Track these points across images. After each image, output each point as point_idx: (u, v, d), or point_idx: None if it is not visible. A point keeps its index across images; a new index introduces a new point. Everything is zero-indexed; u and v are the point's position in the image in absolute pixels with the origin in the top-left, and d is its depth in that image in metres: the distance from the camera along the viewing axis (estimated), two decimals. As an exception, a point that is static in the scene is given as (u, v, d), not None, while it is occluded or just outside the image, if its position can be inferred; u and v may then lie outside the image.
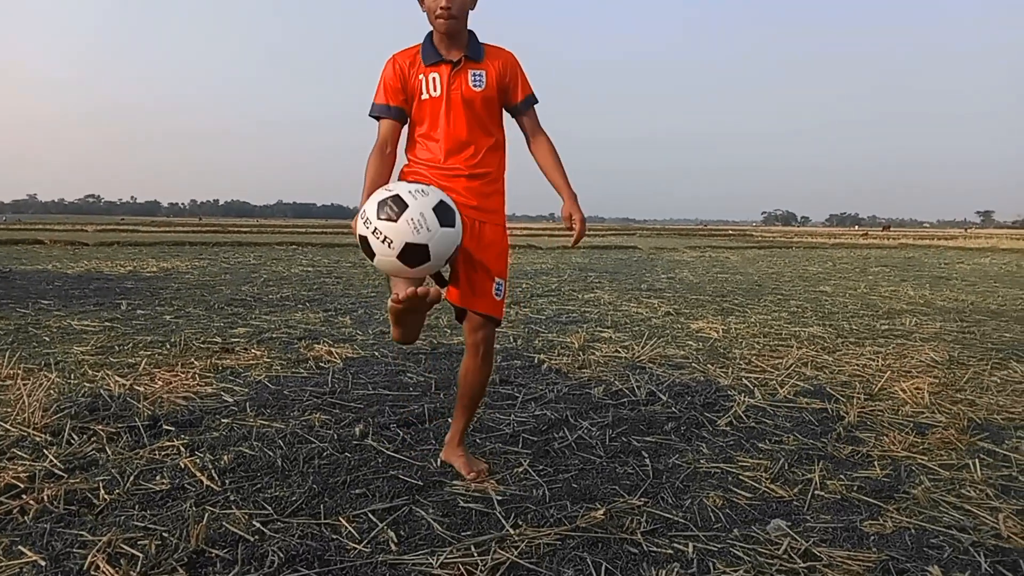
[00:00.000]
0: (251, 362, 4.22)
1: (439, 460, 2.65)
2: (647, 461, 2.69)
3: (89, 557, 1.87)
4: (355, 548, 1.98)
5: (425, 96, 2.44)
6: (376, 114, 2.47)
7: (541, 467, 2.63)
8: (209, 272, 10.36)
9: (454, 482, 2.46)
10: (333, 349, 4.59)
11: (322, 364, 4.23)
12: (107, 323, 5.52)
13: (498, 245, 2.49)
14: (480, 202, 2.45)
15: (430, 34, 2.47)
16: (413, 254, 1.99)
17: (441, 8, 2.32)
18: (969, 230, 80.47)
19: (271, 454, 2.67)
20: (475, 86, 2.48)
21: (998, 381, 4.05)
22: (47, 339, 4.82)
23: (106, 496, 2.26)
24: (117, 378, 3.69)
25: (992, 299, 8.46)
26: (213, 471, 2.48)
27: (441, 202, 2.07)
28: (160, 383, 3.64)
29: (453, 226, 2.07)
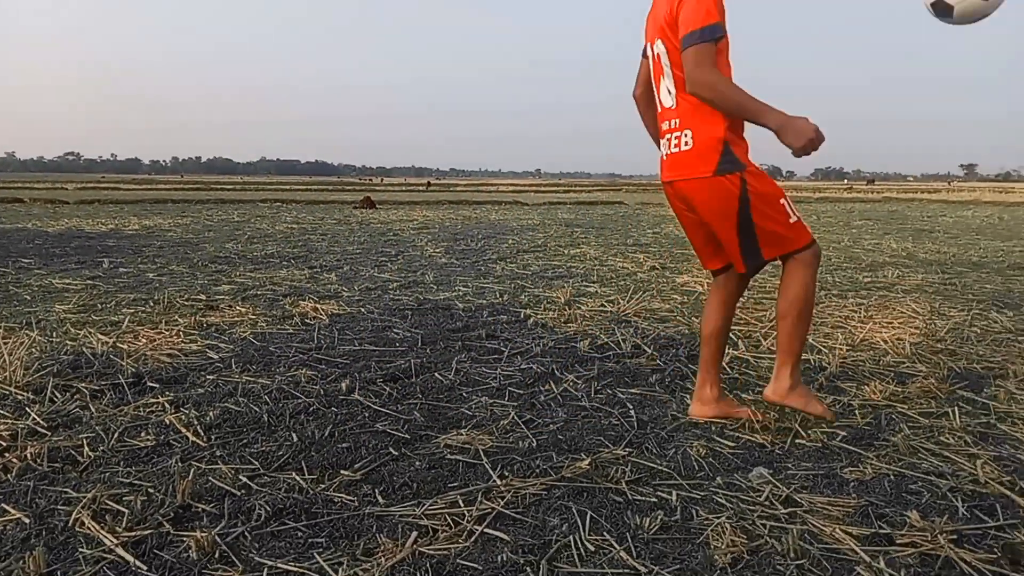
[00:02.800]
0: (236, 319, 4.20)
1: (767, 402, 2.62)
2: (632, 412, 2.72)
3: (74, 514, 1.87)
4: (342, 500, 1.99)
5: (728, 26, 2.29)
6: (720, 35, 2.23)
7: (527, 419, 2.65)
8: (192, 230, 10.25)
9: (440, 436, 2.48)
10: (318, 305, 4.57)
11: (308, 321, 4.22)
12: (89, 281, 5.46)
13: None
14: None
15: None
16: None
17: None
18: (952, 183, 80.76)
19: (257, 410, 2.67)
20: None
21: (978, 331, 4.09)
22: (28, 298, 4.77)
23: (90, 453, 2.26)
24: (100, 336, 3.66)
25: (973, 251, 8.52)
26: (199, 427, 2.48)
27: None
28: (144, 340, 3.62)
29: None
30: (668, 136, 2.48)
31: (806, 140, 2.17)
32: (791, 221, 2.36)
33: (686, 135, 2.39)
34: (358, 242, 8.89)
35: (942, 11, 2.42)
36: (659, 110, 2.54)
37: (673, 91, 2.41)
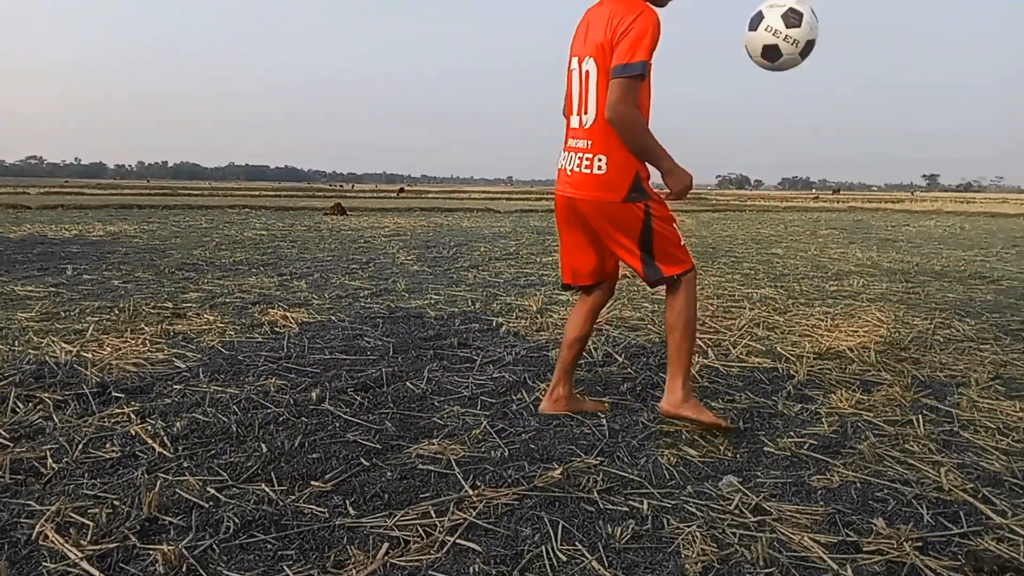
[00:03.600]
0: (204, 327, 4.14)
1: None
2: (603, 421, 2.73)
3: (37, 527, 1.83)
4: (312, 512, 1.97)
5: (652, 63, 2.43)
6: (644, 74, 2.35)
7: (499, 428, 2.64)
8: (159, 236, 10.09)
9: (412, 446, 2.46)
10: (288, 314, 4.53)
11: (277, 329, 4.18)
12: (52, 288, 5.35)
13: None
14: None
15: None
16: (808, 49, 2.51)
17: None
18: (915, 193, 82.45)
19: (225, 420, 2.63)
20: None
21: (941, 340, 4.18)
22: (-12, 305, 4.65)
23: (54, 465, 2.21)
24: (63, 344, 3.59)
25: (936, 261, 8.71)
26: (165, 438, 2.44)
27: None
28: (109, 349, 3.55)
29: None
30: (578, 154, 2.54)
31: (682, 187, 2.47)
32: (681, 243, 2.60)
33: (600, 160, 2.47)
34: (328, 249, 8.82)
35: (770, 55, 2.53)
36: (571, 125, 2.59)
37: (594, 113, 2.46)
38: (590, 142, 2.48)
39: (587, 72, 2.46)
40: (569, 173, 2.58)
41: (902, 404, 2.99)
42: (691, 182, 2.49)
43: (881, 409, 2.92)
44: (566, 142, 2.62)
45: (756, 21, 2.53)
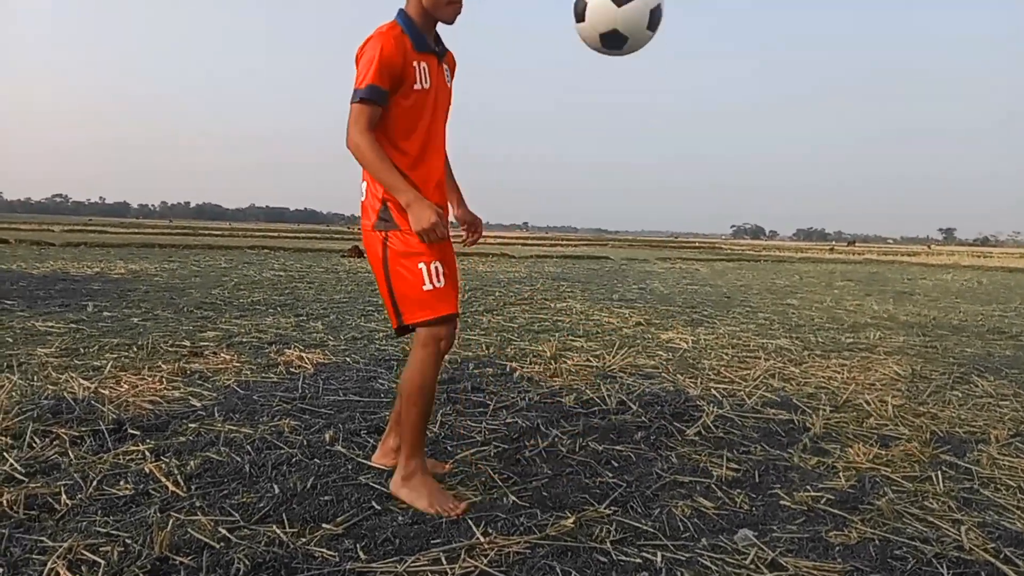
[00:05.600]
0: (220, 366, 4.17)
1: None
2: (617, 470, 2.70)
3: (49, 564, 1.83)
4: (323, 555, 1.96)
5: (417, 86, 2.24)
6: (371, 97, 2.16)
7: (512, 475, 2.63)
8: (179, 275, 10.21)
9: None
10: (304, 354, 4.55)
11: (292, 369, 4.20)
12: (72, 325, 5.41)
13: None
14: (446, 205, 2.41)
15: (405, 16, 2.27)
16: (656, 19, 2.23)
17: None
18: (932, 247, 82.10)
19: (239, 460, 2.64)
20: (449, 83, 2.40)
21: (960, 395, 4.13)
22: (10, 340, 4.71)
23: (68, 501, 2.22)
24: (82, 381, 3.62)
25: (954, 315, 8.64)
26: (179, 476, 2.44)
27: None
28: (126, 386, 3.58)
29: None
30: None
31: (421, 227, 2.14)
32: (424, 288, 2.24)
33: (363, 186, 2.35)
34: (345, 291, 8.88)
35: (613, 44, 2.26)
36: None
37: None
38: (360, 169, 2.31)
39: None
40: None
41: (921, 460, 2.95)
42: (436, 221, 2.14)
43: (899, 464, 2.88)
44: None
45: (580, 7, 2.24)
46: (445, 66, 2.39)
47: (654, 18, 2.19)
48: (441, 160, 2.41)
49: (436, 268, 2.25)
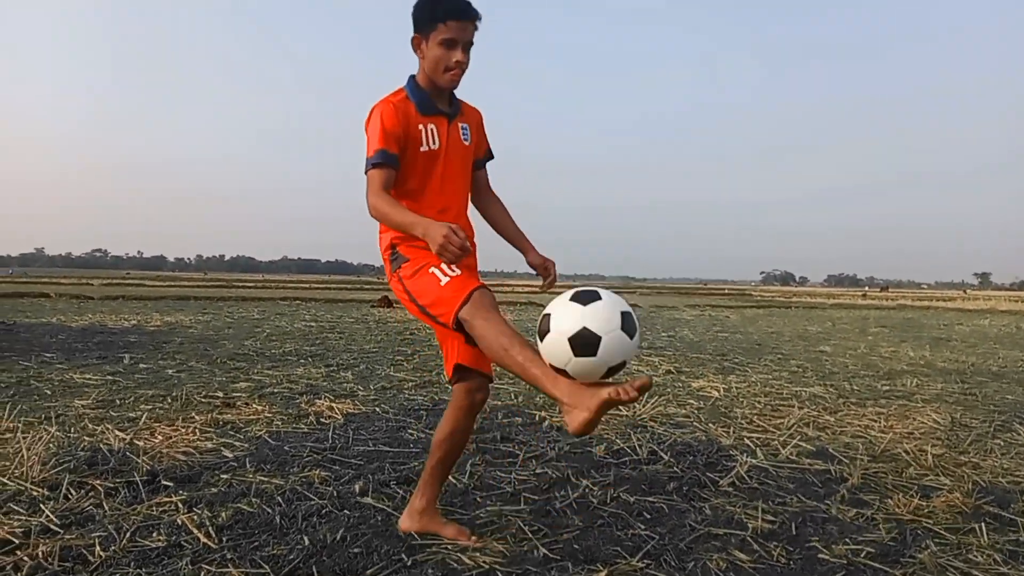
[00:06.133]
0: (252, 417, 4.20)
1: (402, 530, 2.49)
2: (649, 522, 2.66)
3: (83, 615, 1.84)
4: (353, 609, 1.95)
5: (424, 148, 2.31)
6: (381, 161, 2.22)
7: (542, 527, 2.60)
8: (213, 326, 10.37)
9: (453, 542, 2.43)
10: (334, 404, 4.58)
11: (323, 420, 4.22)
12: (109, 376, 5.51)
13: None
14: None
15: (414, 82, 2.36)
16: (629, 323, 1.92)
17: (457, 62, 2.27)
18: (967, 292, 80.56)
19: (270, 511, 2.64)
20: (465, 141, 2.45)
21: (1002, 444, 4.02)
22: (48, 392, 4.81)
23: (102, 553, 2.24)
24: (117, 432, 3.68)
25: (993, 361, 8.44)
26: (211, 528, 2.46)
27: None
28: (160, 437, 3.62)
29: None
30: None
31: (439, 245, 2.05)
32: (443, 283, 2.19)
33: (378, 240, 2.44)
34: (375, 340, 8.95)
35: (585, 349, 1.89)
36: None
37: None
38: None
39: None
40: None
41: (963, 511, 2.86)
42: (448, 232, 2.03)
43: (941, 516, 2.80)
44: None
45: (544, 328, 1.94)
46: (461, 124, 2.45)
47: (627, 322, 1.92)
48: (460, 217, 2.47)
49: (446, 266, 2.22)
